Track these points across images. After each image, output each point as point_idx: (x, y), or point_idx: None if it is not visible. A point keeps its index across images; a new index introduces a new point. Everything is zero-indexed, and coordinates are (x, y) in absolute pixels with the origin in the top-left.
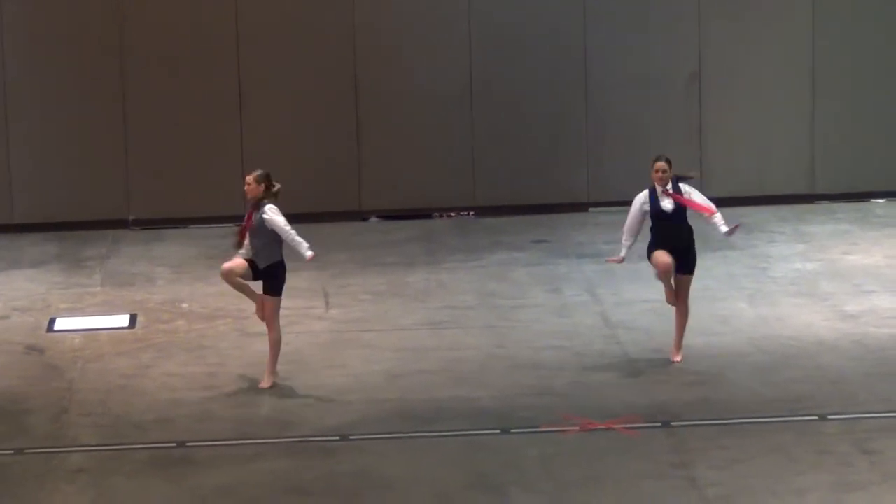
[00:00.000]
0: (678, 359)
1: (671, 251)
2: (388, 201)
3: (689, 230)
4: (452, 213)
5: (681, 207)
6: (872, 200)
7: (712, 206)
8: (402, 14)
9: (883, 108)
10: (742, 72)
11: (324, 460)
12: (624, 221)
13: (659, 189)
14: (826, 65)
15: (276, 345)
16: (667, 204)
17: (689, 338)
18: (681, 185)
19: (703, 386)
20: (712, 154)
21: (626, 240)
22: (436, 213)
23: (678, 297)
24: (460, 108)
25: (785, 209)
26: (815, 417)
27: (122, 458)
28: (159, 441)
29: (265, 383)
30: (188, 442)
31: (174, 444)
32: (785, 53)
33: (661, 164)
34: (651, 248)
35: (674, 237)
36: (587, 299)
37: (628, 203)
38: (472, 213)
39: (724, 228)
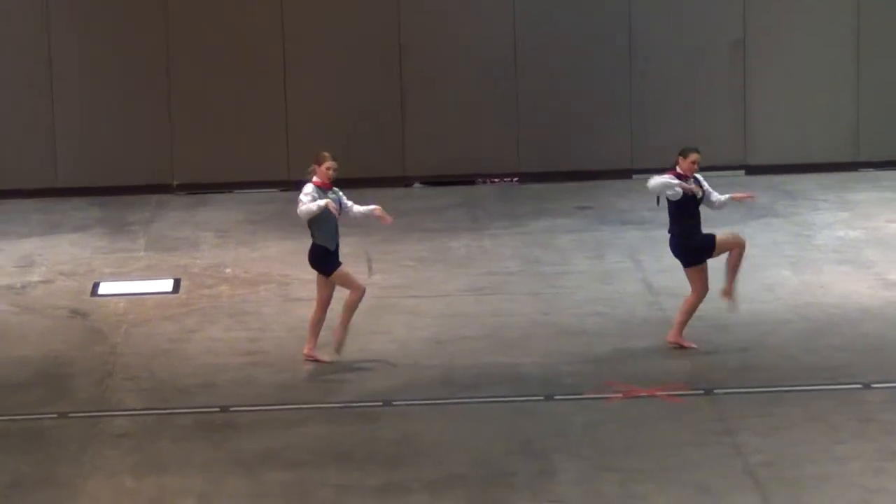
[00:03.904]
0: (672, 339)
1: (694, 236)
2: (432, 167)
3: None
4: (496, 180)
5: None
6: None
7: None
8: None
9: None
10: (786, 39)
11: (366, 426)
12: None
13: (689, 179)
14: (871, 32)
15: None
16: (697, 190)
17: None
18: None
19: (746, 353)
20: (756, 121)
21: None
22: (479, 180)
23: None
24: (504, 75)
25: (829, 177)
26: (859, 385)
27: (165, 423)
28: (203, 406)
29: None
30: (231, 407)
31: (217, 409)
32: (829, 20)
33: (698, 156)
34: (695, 238)
35: (697, 222)
36: (630, 266)
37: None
38: (515, 179)
39: (729, 195)
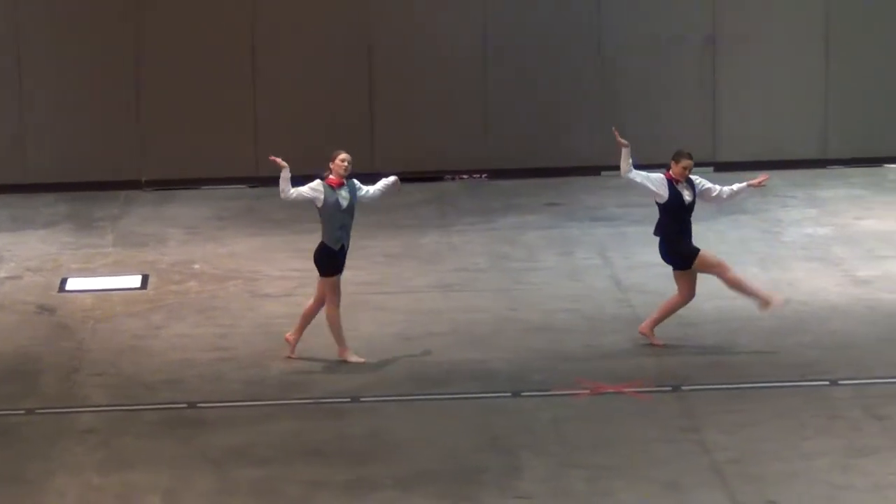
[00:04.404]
0: (643, 330)
1: (688, 244)
2: (401, 163)
3: None
4: (465, 176)
5: (695, 199)
6: (885, 165)
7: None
8: None
9: None
10: (756, 36)
11: (335, 422)
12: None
13: (680, 183)
14: (840, 29)
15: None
16: (687, 196)
17: (700, 302)
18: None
19: (713, 350)
20: (725, 118)
21: (633, 171)
22: (448, 176)
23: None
24: (474, 71)
25: (797, 174)
26: (826, 382)
27: (132, 419)
28: (170, 402)
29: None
30: (199, 403)
31: (185, 405)
32: (799, 18)
33: (690, 162)
34: (682, 244)
35: (689, 229)
36: (599, 262)
37: (640, 167)
38: (484, 175)
39: (744, 183)
